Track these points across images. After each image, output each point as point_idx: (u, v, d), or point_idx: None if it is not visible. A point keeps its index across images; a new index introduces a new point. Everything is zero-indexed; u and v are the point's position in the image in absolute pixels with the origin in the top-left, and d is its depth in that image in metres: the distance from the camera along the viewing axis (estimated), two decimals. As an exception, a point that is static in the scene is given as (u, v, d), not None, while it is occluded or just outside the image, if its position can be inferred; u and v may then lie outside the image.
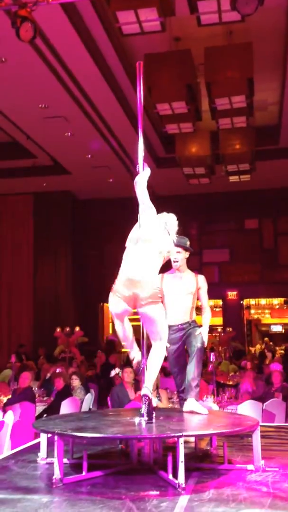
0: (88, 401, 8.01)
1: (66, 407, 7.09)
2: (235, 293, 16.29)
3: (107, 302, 15.69)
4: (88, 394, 8.08)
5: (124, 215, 16.21)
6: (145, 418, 3.58)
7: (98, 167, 14.08)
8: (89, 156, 13.45)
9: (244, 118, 9.63)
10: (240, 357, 13.21)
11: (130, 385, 7.01)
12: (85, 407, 7.85)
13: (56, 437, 3.30)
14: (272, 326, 22.99)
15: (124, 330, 3.93)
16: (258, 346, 14.89)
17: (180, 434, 3.16)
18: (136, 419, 3.70)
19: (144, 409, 3.59)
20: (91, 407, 8.09)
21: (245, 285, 16.37)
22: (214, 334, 19.81)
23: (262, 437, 4.04)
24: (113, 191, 15.69)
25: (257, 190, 15.58)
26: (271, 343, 18.63)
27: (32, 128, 12.10)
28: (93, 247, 16.93)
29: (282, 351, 16.17)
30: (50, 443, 3.73)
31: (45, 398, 8.13)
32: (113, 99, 10.58)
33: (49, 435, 3.72)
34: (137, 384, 6.76)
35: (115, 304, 3.81)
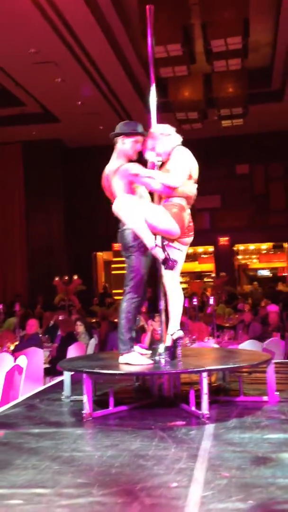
0: (92, 345, 8.24)
1: (73, 351, 7.29)
2: (226, 239, 16.48)
3: (99, 250, 15.90)
4: (92, 339, 8.31)
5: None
6: (166, 356, 3.74)
7: (88, 114, 13.89)
8: (79, 103, 13.26)
9: (239, 60, 9.54)
10: (232, 300, 13.51)
11: None
12: (89, 352, 8.08)
13: (84, 375, 3.46)
14: (259, 271, 23.42)
15: None
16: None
17: (204, 369, 3.34)
18: (156, 358, 3.86)
19: (167, 349, 3.75)
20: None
21: (236, 231, 16.54)
22: (205, 280, 20.18)
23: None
24: (103, 139, 15.49)
25: (248, 135, 15.53)
26: (259, 287, 18.97)
27: (22, 74, 11.86)
28: (85, 195, 16.86)
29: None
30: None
31: (49, 344, 8.35)
32: (105, 43, 10.37)
33: (71, 374, 3.89)
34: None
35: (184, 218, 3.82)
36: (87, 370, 3.45)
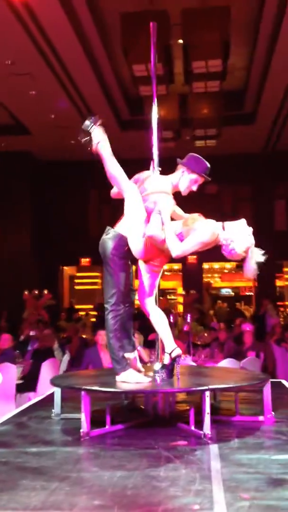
0: (65, 362, 8.07)
1: (46, 368, 7.12)
2: (195, 257, 16.56)
3: (66, 265, 15.75)
4: (65, 355, 8.15)
5: (84, 178, 15.93)
6: (164, 374, 3.67)
7: (61, 128, 13.76)
8: (53, 116, 13.15)
9: (218, 82, 9.66)
10: (201, 319, 13.54)
11: (104, 347, 6.86)
12: (62, 368, 7.91)
13: (82, 393, 3.35)
14: (222, 290, 23.63)
15: None
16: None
17: (207, 387, 3.29)
18: (152, 375, 3.78)
19: (164, 366, 3.68)
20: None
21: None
22: (169, 298, 20.21)
23: (253, 391, 4.21)
24: (74, 153, 15.41)
25: (218, 156, 15.70)
26: (225, 305, 19.16)
27: (-4, 85, 11.68)
28: (53, 209, 16.72)
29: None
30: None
31: (20, 360, 8.11)
32: (84, 58, 10.37)
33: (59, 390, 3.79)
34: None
35: None
36: (86, 387, 3.35)
